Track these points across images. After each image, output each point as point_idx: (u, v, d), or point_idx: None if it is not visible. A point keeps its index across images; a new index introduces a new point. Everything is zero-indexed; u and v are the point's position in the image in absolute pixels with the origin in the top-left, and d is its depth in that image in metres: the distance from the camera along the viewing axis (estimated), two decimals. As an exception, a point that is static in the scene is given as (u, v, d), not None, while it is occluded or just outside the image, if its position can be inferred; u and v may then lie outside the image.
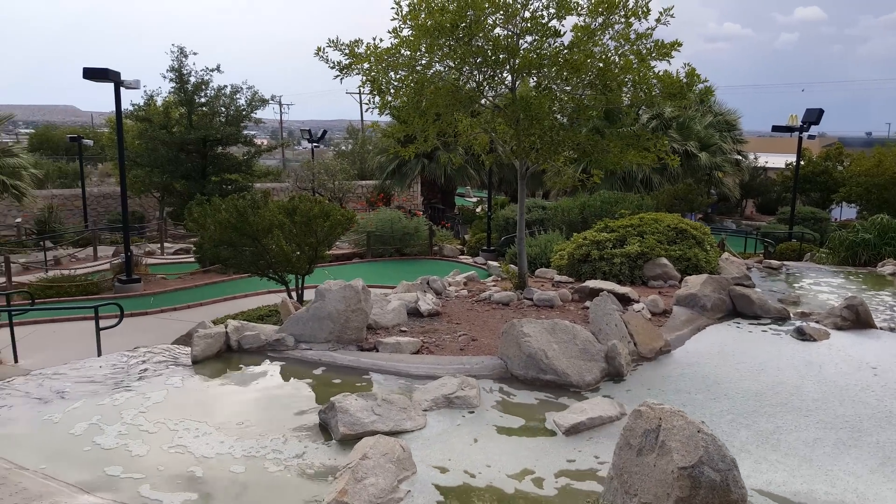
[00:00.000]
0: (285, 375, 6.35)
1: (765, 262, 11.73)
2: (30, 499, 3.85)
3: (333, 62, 8.65)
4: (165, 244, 22.10)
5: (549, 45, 7.88)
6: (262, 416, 5.30)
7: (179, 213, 25.08)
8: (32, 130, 56.59)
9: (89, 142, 29.74)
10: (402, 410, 5.23)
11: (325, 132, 29.60)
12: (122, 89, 14.73)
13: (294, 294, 11.70)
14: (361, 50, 8.62)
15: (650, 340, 6.69)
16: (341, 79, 8.90)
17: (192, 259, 18.54)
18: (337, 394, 5.77)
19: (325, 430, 5.08)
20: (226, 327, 6.97)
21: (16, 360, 9.83)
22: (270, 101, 25.95)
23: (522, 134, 8.11)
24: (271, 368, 6.51)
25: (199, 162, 24.63)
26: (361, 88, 9.08)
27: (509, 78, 8.43)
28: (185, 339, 7.53)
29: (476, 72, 8.53)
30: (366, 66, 8.60)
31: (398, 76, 8.75)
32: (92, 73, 14.09)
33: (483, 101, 8.85)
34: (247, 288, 14.74)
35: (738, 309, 8.16)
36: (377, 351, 6.76)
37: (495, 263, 12.23)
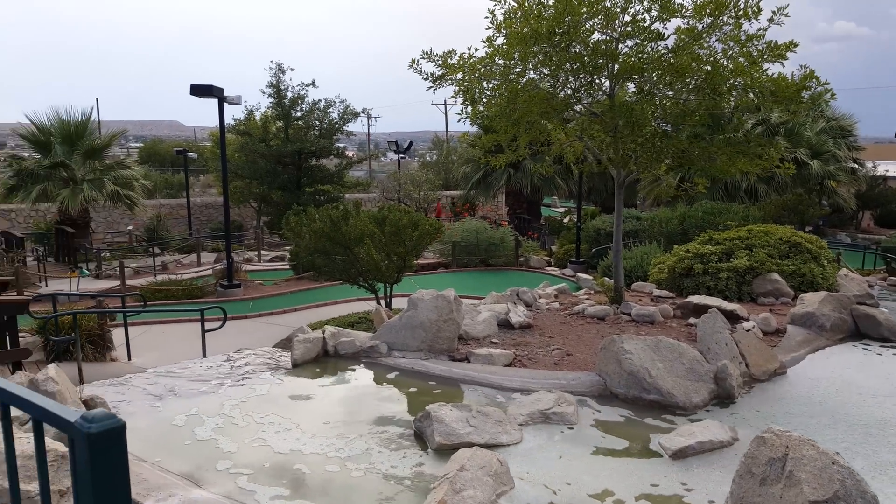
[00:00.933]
0: (379, 382, 6.42)
1: (889, 280, 10.84)
2: (150, 489, 4.03)
3: (427, 73, 8.76)
4: (262, 252, 23.05)
5: (652, 49, 7.63)
6: (358, 421, 5.36)
7: (275, 223, 26.12)
8: (141, 144, 60.70)
9: (193, 155, 31.55)
10: (498, 423, 5.14)
11: (411, 143, 30.07)
12: (224, 105, 15.53)
13: (382, 302, 11.87)
14: (454, 60, 8.67)
15: (763, 361, 6.29)
16: (434, 90, 9.02)
17: (287, 266, 19.24)
18: (430, 403, 5.77)
19: (419, 438, 5.08)
20: (323, 333, 7.13)
21: (129, 358, 10.46)
22: (361, 115, 26.67)
23: (621, 142, 7.88)
24: (366, 374, 6.60)
25: (295, 173, 25.59)
26: (454, 99, 9.11)
27: (607, 84, 8.22)
28: (285, 343, 7.76)
29: (571, 78, 8.38)
30: (459, 76, 8.64)
31: (491, 85, 8.74)
32: (198, 90, 14.92)
33: (578, 108, 8.67)
34: (337, 295, 15.10)
35: (861, 330, 7.56)
36: (469, 362, 6.71)
37: (585, 276, 11.93)
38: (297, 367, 6.69)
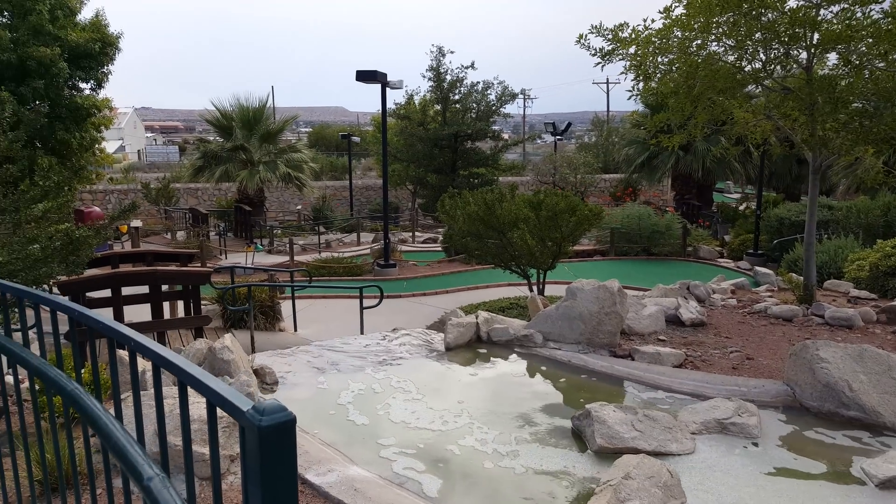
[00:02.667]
0: (533, 372, 6.15)
1: None
2: (311, 462, 4.10)
3: (595, 49, 8.27)
4: (416, 233, 23.65)
5: (863, 14, 6.57)
6: (511, 412, 5.15)
7: (430, 205, 26.67)
8: (310, 129, 64.82)
9: (357, 139, 33.05)
10: (667, 430, 4.68)
11: (569, 125, 29.19)
12: (387, 89, 15.95)
13: (535, 288, 11.58)
14: (626, 34, 8.09)
15: None
16: (602, 66, 8.47)
17: (440, 248, 19.52)
18: (588, 399, 5.43)
19: (577, 437, 4.76)
20: (476, 318, 6.99)
21: (295, 329, 11.09)
22: (520, 96, 26.37)
23: (819, 121, 6.90)
24: (520, 364, 6.37)
25: (451, 156, 25.89)
26: (623, 75, 8.53)
27: (804, 55, 7.23)
28: (438, 325, 7.75)
29: (761, 50, 7.47)
30: (631, 50, 8.05)
31: (666, 60, 8.06)
32: (363, 76, 15.45)
33: (766, 84, 7.74)
34: (488, 279, 15.03)
35: None
36: (632, 359, 6.24)
37: (765, 270, 10.77)
38: (450, 350, 6.61)
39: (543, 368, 6.20)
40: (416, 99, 27.15)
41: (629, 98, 8.35)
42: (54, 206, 4.94)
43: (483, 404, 5.30)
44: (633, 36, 7.96)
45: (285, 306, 11.46)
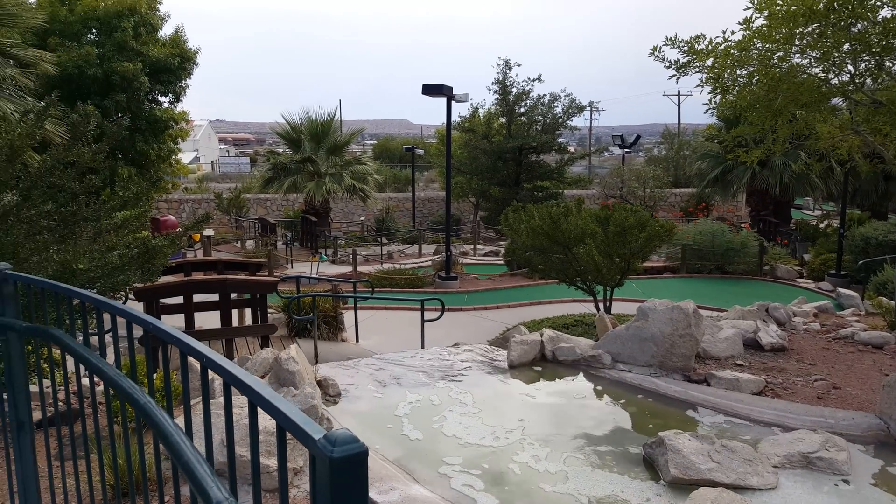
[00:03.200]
0: (601, 395, 5.94)
1: None
2: (373, 479, 4.04)
3: (669, 61, 8.02)
4: (478, 246, 23.55)
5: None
6: (577, 435, 4.97)
7: (492, 218, 26.54)
8: (375, 141, 65.95)
9: (420, 151, 33.33)
10: (747, 462, 4.40)
11: (638, 137, 28.53)
12: (452, 103, 15.99)
13: (601, 305, 11.28)
14: (702, 46, 7.81)
15: None
16: (677, 79, 8.21)
17: (501, 261, 19.35)
18: (660, 426, 5.19)
19: (649, 465, 4.53)
20: (541, 336, 6.83)
21: (357, 340, 11.15)
22: (587, 108, 26.01)
23: (916, 135, 6.44)
24: (587, 385, 6.17)
25: (514, 169, 25.72)
26: (700, 87, 8.24)
27: (898, 66, 6.79)
28: (500, 341, 7.61)
29: (849, 62, 7.06)
30: (708, 62, 7.77)
31: (746, 72, 7.74)
32: (429, 89, 15.54)
33: (854, 97, 7.30)
34: (552, 294, 14.75)
35: None
36: (708, 385, 5.94)
37: (849, 292, 10.11)
38: (514, 368, 6.47)
39: (612, 391, 5.98)
40: (481, 112, 27.17)
41: (705, 112, 8.05)
42: (133, 216, 5.09)
43: (546, 426, 5.14)
44: (711, 48, 7.68)
45: (348, 316, 11.55)
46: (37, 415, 4.06)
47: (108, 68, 14.04)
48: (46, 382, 3.37)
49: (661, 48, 8.01)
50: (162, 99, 16.23)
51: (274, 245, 21.73)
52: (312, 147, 23.70)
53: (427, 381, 6.00)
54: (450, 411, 5.30)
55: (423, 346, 9.60)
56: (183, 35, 16.17)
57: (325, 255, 21.21)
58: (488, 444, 4.74)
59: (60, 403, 4.01)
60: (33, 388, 4.01)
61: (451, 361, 6.65)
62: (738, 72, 7.64)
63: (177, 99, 16.39)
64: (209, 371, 1.76)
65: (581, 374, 6.39)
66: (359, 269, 17.47)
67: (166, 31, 16.20)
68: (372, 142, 68.32)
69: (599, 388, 6.07)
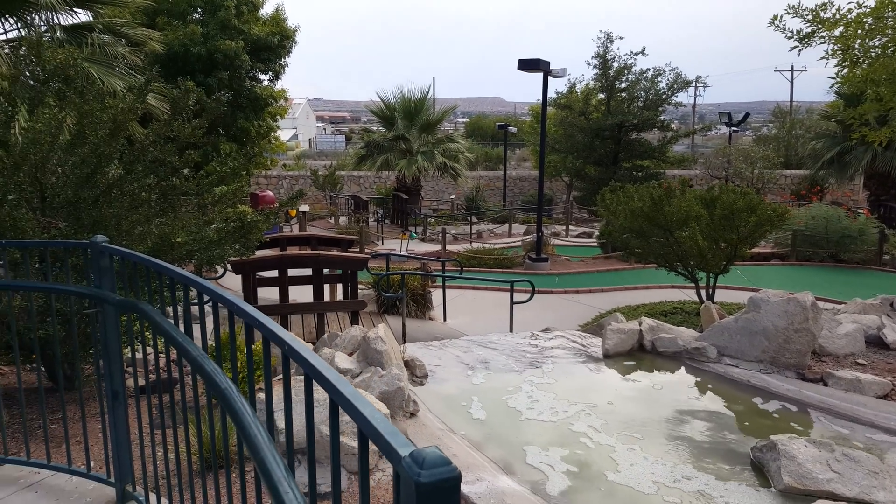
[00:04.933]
0: (704, 390, 5.53)
1: None
2: (459, 468, 3.91)
3: (791, 31, 7.33)
4: (570, 227, 22.96)
5: None
6: (678, 433, 4.63)
7: (586, 198, 25.76)
8: (467, 119, 65.66)
9: (514, 129, 32.77)
10: (872, 475, 3.94)
11: (746, 115, 26.69)
12: (549, 78, 15.48)
13: (703, 293, 10.64)
14: (829, 14, 7.06)
15: None
16: (799, 50, 7.48)
17: (595, 243, 18.75)
18: (770, 427, 4.78)
19: (757, 470, 4.16)
20: (639, 325, 6.45)
21: (444, 319, 11.10)
22: (695, 83, 24.62)
23: None
24: (688, 379, 5.77)
25: (613, 147, 24.73)
26: (825, 60, 7.48)
27: None
28: (595, 329, 7.28)
29: None
30: (836, 32, 7.02)
31: (880, 42, 6.94)
32: (525, 64, 15.10)
33: None
34: (648, 279, 14.09)
35: None
36: (825, 385, 5.40)
37: None
38: (609, 357, 6.15)
39: (717, 386, 5.56)
40: (579, 88, 26.26)
41: (831, 87, 7.31)
42: (230, 191, 5.15)
43: (644, 421, 4.83)
44: (839, 16, 6.94)
45: (436, 295, 11.50)
46: (130, 383, 4.19)
47: (212, 46, 14.54)
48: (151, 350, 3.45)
49: (781, 17, 7.36)
50: (262, 77, 16.68)
51: (365, 222, 22.09)
52: (405, 125, 23.80)
53: (515, 366, 5.80)
54: (538, 399, 5.08)
55: (511, 329, 9.39)
56: (283, 13, 16.50)
57: (415, 232, 21.33)
58: (579, 436, 4.51)
59: (151, 376, 4.11)
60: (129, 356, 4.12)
61: (540, 346, 6.42)
62: (871, 42, 6.88)
63: (276, 77, 16.80)
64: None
65: (682, 368, 5.99)
66: (448, 247, 17.43)
67: (267, 9, 16.60)
68: (464, 120, 68.13)
69: (703, 382, 5.67)
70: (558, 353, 6.21)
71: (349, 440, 3.70)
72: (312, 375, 1.46)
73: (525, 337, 6.80)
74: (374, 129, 27.59)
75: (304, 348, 1.53)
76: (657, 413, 4.99)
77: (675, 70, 24.33)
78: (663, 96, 24.26)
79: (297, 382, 3.79)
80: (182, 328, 2.24)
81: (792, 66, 46.28)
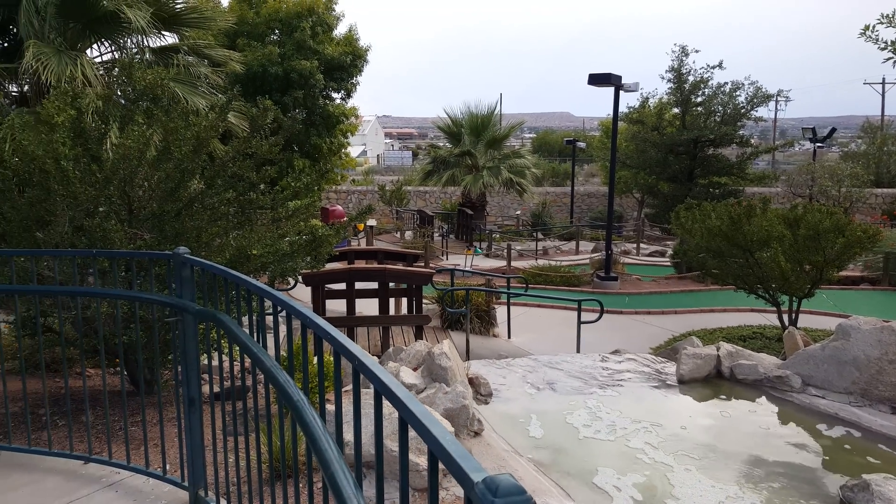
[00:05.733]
0: (786, 421, 5.22)
1: None
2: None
3: (885, 42, 6.95)
4: (641, 245, 22.37)
5: None
6: (758, 466, 4.37)
7: (659, 215, 25.05)
8: (534, 135, 65.36)
9: (582, 144, 32.34)
10: (981, 524, 3.59)
11: (832, 130, 25.32)
12: (620, 93, 15.22)
13: (785, 317, 10.12)
14: (929, 21, 6.65)
15: None
16: (895, 61, 7.08)
17: (668, 263, 18.19)
18: (862, 466, 4.46)
19: (847, 511, 3.86)
20: (717, 350, 6.17)
21: (509, 336, 10.98)
22: (777, 97, 23.57)
23: None
24: (769, 409, 5.46)
25: (688, 164, 23.98)
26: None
27: None
28: (669, 353, 7.02)
29: None
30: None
31: None
32: (596, 79, 14.90)
33: None
34: (725, 302, 13.52)
35: None
36: (924, 420, 5.00)
37: None
38: (683, 383, 5.90)
39: (801, 418, 5.24)
40: (651, 102, 25.66)
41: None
42: (304, 205, 5.26)
43: (720, 450, 4.59)
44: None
45: (500, 311, 11.40)
46: (205, 389, 4.30)
47: (288, 66, 15.06)
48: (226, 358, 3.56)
49: (874, 27, 6.98)
50: (335, 95, 17.13)
51: (430, 236, 22.22)
52: (472, 141, 23.89)
53: (584, 388, 5.65)
54: (607, 423, 4.92)
55: (578, 349, 9.20)
56: (355, 33, 16.93)
57: (480, 248, 21.29)
58: (650, 466, 4.32)
59: (226, 382, 4.21)
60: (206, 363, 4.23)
61: (610, 369, 6.23)
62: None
63: (348, 95, 17.22)
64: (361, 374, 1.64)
65: (763, 397, 5.69)
66: (513, 264, 17.29)
67: (340, 30, 17.08)
68: (531, 135, 67.86)
69: (785, 413, 5.35)
70: (629, 377, 6.01)
71: (415, 457, 3.67)
72: (383, 392, 1.44)
73: (594, 358, 6.63)
74: (441, 145, 27.81)
75: (375, 364, 1.52)
76: (735, 443, 4.74)
77: (754, 83, 23.39)
78: (742, 111, 23.33)
79: (366, 395, 3.80)
80: (258, 339, 2.27)
81: (883, 79, 43.78)
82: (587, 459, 4.37)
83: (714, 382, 5.94)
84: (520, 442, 4.53)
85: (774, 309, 10.21)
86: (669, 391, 5.73)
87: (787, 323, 10.01)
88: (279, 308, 2.13)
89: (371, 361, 1.54)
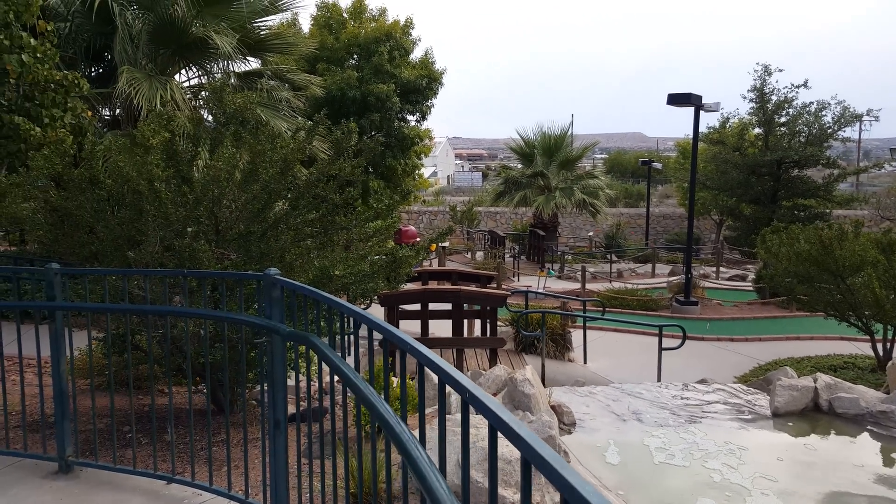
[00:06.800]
0: (892, 462, 4.80)
1: None
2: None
3: None
4: (721, 268, 21.50)
5: None
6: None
7: (741, 238, 24.08)
8: (606, 155, 64.30)
9: (658, 165, 31.55)
10: None
11: (924, 151, 23.95)
12: (700, 113, 14.76)
13: (880, 347, 9.45)
14: None
15: None
16: None
17: (749, 287, 17.39)
18: None
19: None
20: (814, 382, 5.77)
21: (585, 362, 10.68)
22: (866, 117, 22.35)
23: None
24: (873, 446, 5.05)
25: (771, 185, 23.04)
26: None
27: None
28: (760, 384, 6.62)
29: None
30: None
31: None
32: (676, 99, 14.51)
33: None
34: (812, 329, 12.78)
35: None
36: None
37: None
38: (778, 416, 5.53)
39: (911, 460, 4.81)
40: (731, 122, 24.85)
41: None
42: (384, 226, 5.28)
43: (825, 494, 4.24)
44: None
45: (575, 335, 11.13)
46: (290, 408, 4.32)
47: (366, 90, 15.40)
48: (302, 378, 3.56)
49: None
50: (410, 117, 17.38)
51: (502, 257, 22.07)
52: (544, 161, 23.71)
53: (671, 420, 5.38)
54: (700, 460, 4.64)
55: (659, 376, 8.84)
56: (431, 57, 17.18)
57: (553, 270, 20.98)
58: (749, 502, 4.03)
59: (314, 401, 4.21)
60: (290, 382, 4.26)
61: (697, 399, 5.92)
62: None
63: (423, 117, 17.45)
64: (446, 386, 1.58)
65: (866, 433, 5.26)
66: (586, 286, 16.92)
67: (416, 53, 17.37)
68: (603, 156, 66.88)
69: (891, 451, 4.93)
70: (718, 409, 5.69)
71: (504, 490, 3.55)
72: (499, 427, 1.34)
73: (678, 388, 6.32)
74: (513, 165, 27.74)
75: (488, 397, 1.43)
76: (841, 485, 4.38)
77: (841, 102, 22.30)
78: (828, 131, 22.27)
79: (453, 425, 3.72)
80: (351, 362, 2.23)
81: None
82: (681, 498, 4.13)
83: (811, 416, 5.55)
84: (607, 477, 4.33)
85: (867, 338, 9.58)
86: (763, 424, 5.39)
87: (881, 352, 9.35)
88: (373, 332, 2.09)
89: (482, 393, 1.46)
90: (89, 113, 6.18)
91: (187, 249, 4.21)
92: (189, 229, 4.45)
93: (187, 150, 4.71)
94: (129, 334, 3.85)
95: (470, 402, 1.46)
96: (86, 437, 4.40)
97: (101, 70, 8.37)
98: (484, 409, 1.37)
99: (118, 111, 8.27)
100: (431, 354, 1.69)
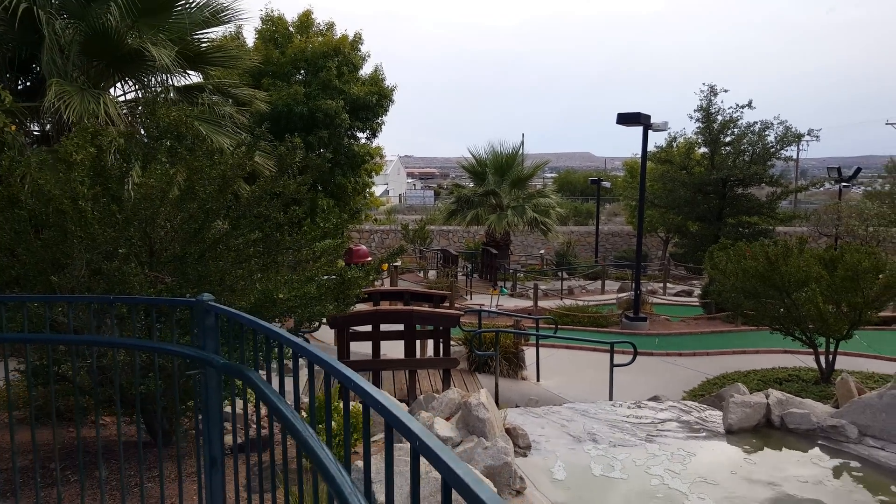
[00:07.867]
0: (841, 475, 4.83)
1: None
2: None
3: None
4: (668, 284, 21.91)
5: None
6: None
7: (687, 255, 24.62)
8: (556, 174, 65.33)
9: (607, 184, 32.15)
10: None
11: (858, 170, 25.08)
12: (648, 132, 15.04)
13: (822, 359, 9.68)
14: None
15: None
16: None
17: (696, 303, 17.73)
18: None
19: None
20: (766, 398, 5.80)
21: (538, 379, 10.61)
22: (807, 137, 23.27)
23: None
24: (826, 463, 5.07)
25: (717, 203, 23.72)
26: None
27: None
28: (713, 400, 6.63)
29: None
30: None
31: None
32: (625, 118, 14.74)
33: None
34: (756, 343, 13.06)
35: None
36: None
37: None
38: (732, 433, 5.53)
39: (859, 473, 4.85)
40: (677, 142, 25.54)
41: None
42: (332, 246, 5.07)
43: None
44: None
45: (528, 353, 11.07)
46: (227, 439, 4.05)
47: (314, 106, 15.11)
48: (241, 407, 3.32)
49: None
50: (360, 135, 17.14)
51: (455, 276, 21.97)
52: (496, 180, 23.81)
53: (628, 440, 5.30)
54: (659, 481, 4.56)
55: (611, 394, 8.81)
56: (381, 73, 17.02)
57: (505, 287, 20.98)
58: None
59: (256, 430, 3.95)
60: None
61: (651, 418, 5.88)
62: None
63: (373, 135, 17.23)
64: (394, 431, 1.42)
65: (817, 448, 5.30)
66: (539, 304, 16.95)
67: (366, 69, 17.19)
68: (552, 175, 67.85)
69: (843, 467, 4.96)
70: (673, 427, 5.65)
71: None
72: (422, 452, 1.21)
73: (632, 406, 6.28)
74: (465, 184, 27.79)
75: (412, 420, 1.28)
76: (796, 502, 4.36)
77: (783, 122, 23.22)
78: (772, 150, 23.12)
79: (402, 454, 3.52)
80: (291, 401, 2.03)
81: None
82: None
83: (763, 432, 5.56)
84: (563, 500, 4.20)
85: (809, 350, 9.81)
86: (717, 441, 5.37)
87: (823, 365, 9.58)
88: (314, 364, 1.90)
89: (407, 417, 1.32)
90: (13, 127, 5.76)
91: (117, 273, 3.92)
92: (120, 251, 4.15)
93: (116, 167, 4.42)
94: (54, 364, 3.53)
95: (393, 424, 1.34)
96: (6, 477, 4.05)
97: (28, 83, 7.90)
98: (404, 430, 1.29)
99: (48, 126, 7.80)
100: (378, 393, 1.52)
